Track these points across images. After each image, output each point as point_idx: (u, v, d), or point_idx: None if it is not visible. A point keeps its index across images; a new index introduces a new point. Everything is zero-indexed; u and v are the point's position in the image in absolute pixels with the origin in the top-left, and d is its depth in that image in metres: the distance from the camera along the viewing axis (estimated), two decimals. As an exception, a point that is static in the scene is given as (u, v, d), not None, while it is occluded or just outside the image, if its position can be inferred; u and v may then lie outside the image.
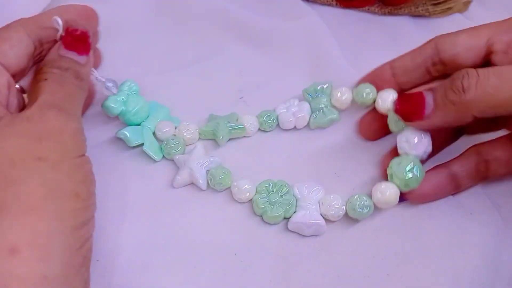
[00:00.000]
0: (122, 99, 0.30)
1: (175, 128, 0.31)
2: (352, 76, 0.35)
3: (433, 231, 0.29)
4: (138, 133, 0.30)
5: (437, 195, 0.29)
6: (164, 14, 0.39)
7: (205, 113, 0.33)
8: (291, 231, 0.29)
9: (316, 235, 0.29)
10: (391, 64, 0.30)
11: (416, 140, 0.27)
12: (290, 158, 0.32)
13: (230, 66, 0.36)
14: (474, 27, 0.28)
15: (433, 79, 0.30)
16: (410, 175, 0.27)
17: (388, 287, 0.27)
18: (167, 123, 0.31)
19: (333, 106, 0.33)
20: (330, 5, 0.42)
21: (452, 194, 0.30)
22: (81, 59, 0.26)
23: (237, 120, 0.32)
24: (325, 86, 0.33)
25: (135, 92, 0.31)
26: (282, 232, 0.29)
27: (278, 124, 0.33)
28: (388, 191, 0.27)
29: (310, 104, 0.33)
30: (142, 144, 0.30)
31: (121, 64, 0.35)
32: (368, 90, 0.31)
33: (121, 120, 0.31)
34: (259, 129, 0.33)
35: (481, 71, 0.24)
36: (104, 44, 0.36)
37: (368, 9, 0.42)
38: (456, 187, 0.29)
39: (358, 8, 0.42)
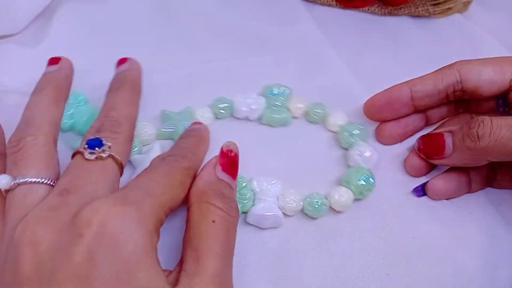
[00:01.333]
0: (69, 113, 0.31)
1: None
2: (349, 84, 0.35)
3: (433, 231, 0.29)
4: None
5: (455, 193, 0.31)
6: (157, 17, 0.39)
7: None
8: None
9: (275, 228, 0.28)
10: (411, 86, 0.31)
11: (368, 154, 0.30)
12: (251, 151, 0.31)
13: (220, 72, 0.36)
14: (499, 58, 0.30)
15: (448, 102, 0.31)
16: (364, 183, 0.29)
17: (388, 287, 0.27)
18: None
19: (288, 109, 0.33)
20: (330, 5, 0.42)
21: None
22: (233, 184, 0.26)
23: (192, 116, 0.32)
24: (286, 90, 0.34)
25: (82, 102, 0.32)
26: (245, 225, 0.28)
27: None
28: (345, 195, 0.29)
29: (267, 100, 0.33)
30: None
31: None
32: (319, 110, 0.33)
33: (77, 132, 0.31)
34: (216, 117, 0.33)
35: (495, 121, 0.26)
36: (102, 44, 0.36)
37: (368, 9, 0.42)
38: (468, 189, 0.31)
39: (358, 8, 0.42)
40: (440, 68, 0.31)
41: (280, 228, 0.29)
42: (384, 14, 0.42)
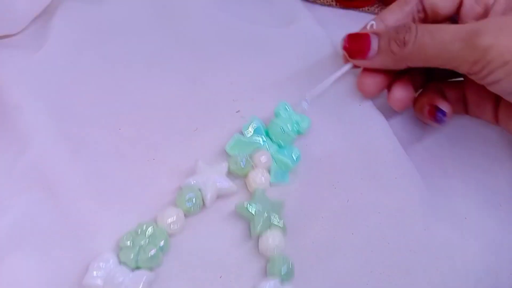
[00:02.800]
0: None
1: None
2: (351, 83, 0.35)
3: (429, 240, 0.29)
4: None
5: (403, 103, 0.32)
6: (158, 19, 0.39)
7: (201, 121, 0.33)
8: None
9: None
10: (381, 17, 0.32)
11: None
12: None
13: (223, 75, 0.36)
14: None
15: None
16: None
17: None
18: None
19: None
20: (330, 5, 0.42)
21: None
22: None
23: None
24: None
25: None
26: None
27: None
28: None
29: None
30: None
31: (116, 66, 0.35)
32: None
33: None
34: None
35: (420, 28, 0.28)
36: (101, 45, 0.36)
37: (368, 9, 0.42)
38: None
39: (358, 9, 0.42)
40: None
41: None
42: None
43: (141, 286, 0.25)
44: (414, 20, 0.32)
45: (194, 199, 0.28)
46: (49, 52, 0.35)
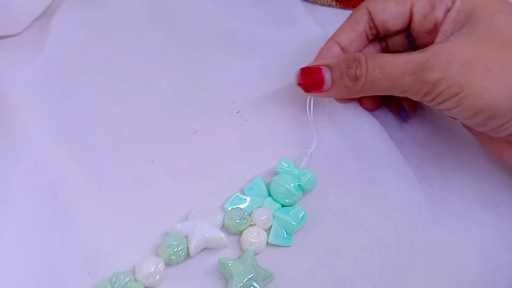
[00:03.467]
0: None
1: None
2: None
3: (427, 242, 0.28)
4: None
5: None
6: (159, 22, 0.39)
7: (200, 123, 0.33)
8: None
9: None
10: (335, 39, 0.32)
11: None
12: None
13: (223, 77, 0.36)
14: None
15: (370, 42, 0.33)
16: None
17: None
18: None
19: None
20: (330, 5, 0.42)
21: None
22: None
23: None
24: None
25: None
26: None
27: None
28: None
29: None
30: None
31: (116, 68, 0.35)
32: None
33: None
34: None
35: (370, 62, 0.28)
36: (101, 46, 0.36)
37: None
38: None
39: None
40: (352, 13, 0.32)
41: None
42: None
43: None
44: (367, 37, 0.32)
45: (177, 248, 0.26)
46: (49, 53, 0.35)
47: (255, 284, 0.25)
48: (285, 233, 0.28)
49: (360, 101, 0.34)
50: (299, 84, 0.30)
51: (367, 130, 0.32)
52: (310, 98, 0.32)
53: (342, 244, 0.28)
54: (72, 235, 0.27)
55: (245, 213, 0.28)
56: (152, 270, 0.25)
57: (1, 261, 0.26)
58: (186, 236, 0.26)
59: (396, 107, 0.34)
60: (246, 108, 0.34)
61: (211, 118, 0.33)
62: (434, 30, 0.29)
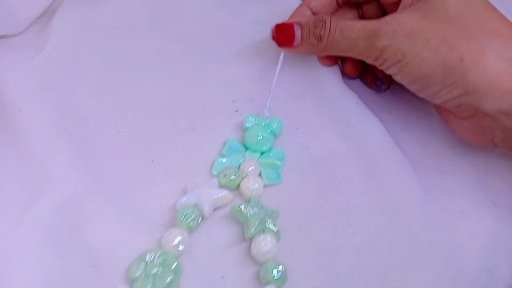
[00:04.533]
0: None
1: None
2: (346, 84, 0.35)
3: (428, 241, 0.28)
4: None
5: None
6: (158, 21, 0.39)
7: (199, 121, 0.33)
8: None
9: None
10: (307, 4, 0.35)
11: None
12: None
13: (222, 76, 0.36)
14: None
15: (340, 6, 0.35)
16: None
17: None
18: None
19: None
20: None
21: None
22: None
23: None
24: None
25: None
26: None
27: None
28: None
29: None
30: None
31: (116, 67, 0.35)
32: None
33: None
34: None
35: (333, 24, 0.30)
36: (101, 46, 0.36)
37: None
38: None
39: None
40: None
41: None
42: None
43: None
44: (338, 2, 0.35)
45: (192, 215, 0.27)
46: (50, 54, 0.35)
47: (268, 221, 0.28)
48: (274, 173, 0.31)
49: (343, 68, 0.36)
50: (273, 38, 0.33)
51: (368, 128, 0.33)
52: (281, 53, 0.34)
53: (344, 241, 0.28)
54: (73, 233, 0.27)
55: (235, 168, 0.30)
56: (181, 238, 0.27)
57: (4, 252, 0.26)
58: (195, 204, 0.28)
59: (372, 79, 0.36)
60: (244, 107, 0.34)
61: (210, 117, 0.33)
62: (398, 2, 0.31)
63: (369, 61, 0.30)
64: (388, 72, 0.30)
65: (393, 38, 0.28)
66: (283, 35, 0.32)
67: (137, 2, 0.40)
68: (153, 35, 0.38)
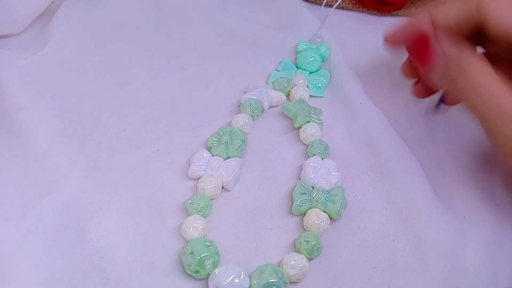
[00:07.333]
0: None
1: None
2: (352, 84, 0.35)
3: (432, 239, 0.28)
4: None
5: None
6: (160, 18, 0.39)
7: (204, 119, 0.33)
8: None
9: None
10: (432, 15, 0.29)
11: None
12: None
13: (223, 72, 0.36)
14: None
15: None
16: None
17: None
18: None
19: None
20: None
21: None
22: None
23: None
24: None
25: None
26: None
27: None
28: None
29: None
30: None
31: (117, 66, 0.35)
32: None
33: None
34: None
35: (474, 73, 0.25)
36: (102, 45, 0.36)
37: (368, 9, 0.42)
38: None
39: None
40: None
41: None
42: (384, 15, 0.42)
43: (237, 168, 0.30)
44: (469, 23, 0.28)
45: (255, 106, 0.34)
46: (51, 53, 0.35)
47: (313, 113, 0.34)
48: (319, 87, 0.36)
49: (412, 85, 0.33)
50: (407, 46, 0.29)
51: (375, 126, 0.33)
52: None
53: (349, 235, 0.29)
54: (78, 231, 0.27)
55: (287, 79, 0.36)
56: (247, 120, 0.33)
57: (7, 251, 0.26)
58: (256, 99, 0.34)
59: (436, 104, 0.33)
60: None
61: (213, 112, 0.34)
62: None
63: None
64: None
65: None
66: (422, 56, 0.27)
67: (137, 1, 0.40)
68: (154, 33, 0.38)
